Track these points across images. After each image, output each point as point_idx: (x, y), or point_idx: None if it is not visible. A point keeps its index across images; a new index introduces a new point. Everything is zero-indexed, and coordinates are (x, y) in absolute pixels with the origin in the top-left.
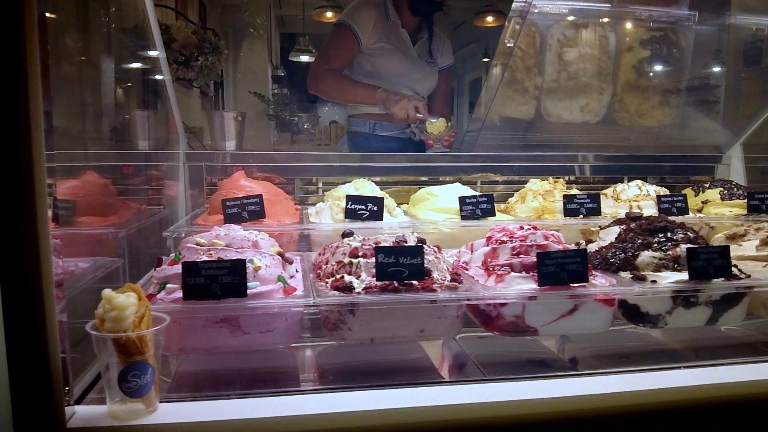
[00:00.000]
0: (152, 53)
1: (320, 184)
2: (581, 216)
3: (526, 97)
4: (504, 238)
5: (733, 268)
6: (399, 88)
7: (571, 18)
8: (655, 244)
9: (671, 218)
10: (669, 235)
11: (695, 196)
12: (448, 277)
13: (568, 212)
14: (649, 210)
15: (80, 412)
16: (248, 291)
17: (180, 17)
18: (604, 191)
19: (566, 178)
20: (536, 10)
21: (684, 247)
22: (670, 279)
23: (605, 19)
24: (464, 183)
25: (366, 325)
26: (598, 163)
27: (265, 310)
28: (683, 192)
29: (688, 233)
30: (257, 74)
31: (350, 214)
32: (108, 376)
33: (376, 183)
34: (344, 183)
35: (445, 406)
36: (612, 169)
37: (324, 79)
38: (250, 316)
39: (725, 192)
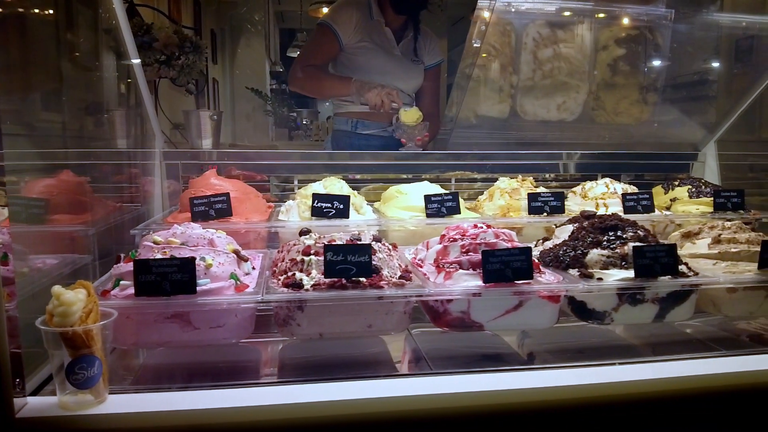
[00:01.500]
0: (128, 53)
1: (296, 182)
2: (545, 214)
3: (502, 96)
4: (456, 236)
5: (683, 266)
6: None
7: (546, 17)
8: (605, 242)
9: (628, 217)
10: (619, 233)
11: (665, 193)
12: (399, 274)
13: (533, 210)
14: (615, 207)
15: (32, 403)
16: (198, 288)
17: (162, 16)
18: (573, 189)
19: (547, 176)
20: (513, 9)
21: (631, 245)
22: (617, 276)
23: (581, 18)
24: (441, 180)
25: (314, 320)
26: (575, 161)
27: (212, 307)
28: (653, 189)
29: (639, 232)
30: (255, 70)
31: (317, 212)
32: (57, 368)
33: (356, 180)
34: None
35: (384, 399)
36: (589, 166)
37: (302, 74)
38: (200, 312)
39: (693, 190)
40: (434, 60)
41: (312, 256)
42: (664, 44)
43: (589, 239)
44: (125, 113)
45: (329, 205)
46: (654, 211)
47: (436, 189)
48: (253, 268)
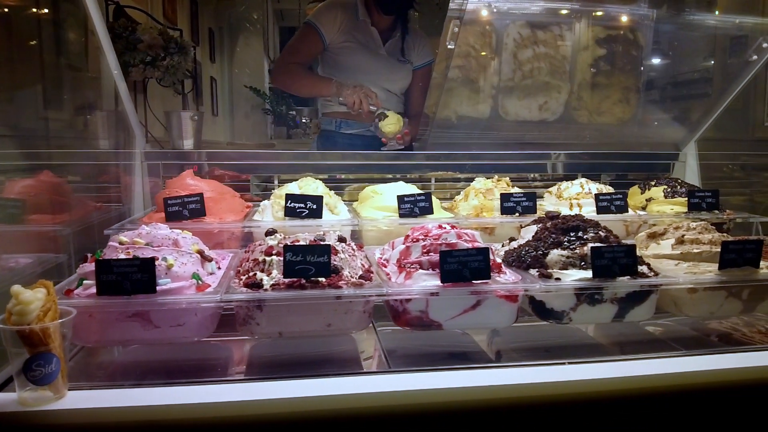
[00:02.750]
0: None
1: (276, 182)
2: (517, 214)
3: (482, 96)
4: (419, 237)
5: (644, 267)
6: (372, 86)
7: (526, 18)
8: (565, 243)
9: (602, 217)
10: (580, 234)
11: (641, 193)
12: (362, 274)
13: (505, 210)
14: (589, 208)
15: None
16: (158, 287)
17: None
18: (550, 189)
19: (531, 176)
20: (495, 9)
21: (590, 245)
22: (575, 277)
23: (561, 19)
24: (424, 181)
25: (273, 320)
26: (557, 161)
27: (171, 306)
28: (630, 190)
29: (600, 233)
30: (254, 69)
31: (290, 212)
32: (16, 366)
33: (340, 180)
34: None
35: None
36: (571, 167)
37: (284, 72)
38: (159, 311)
39: (669, 190)
40: (424, 60)
41: (273, 257)
42: (646, 44)
43: (551, 240)
44: (104, 114)
45: (302, 205)
46: (627, 212)
47: (411, 189)
48: (219, 268)
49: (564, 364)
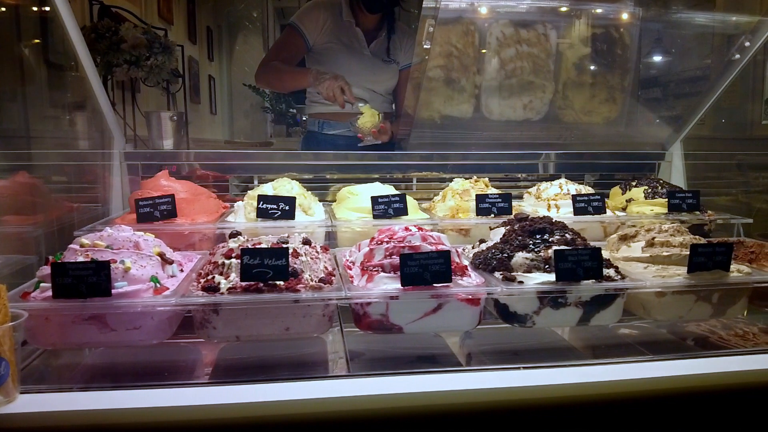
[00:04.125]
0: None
1: (255, 182)
2: (492, 215)
3: (465, 96)
4: (384, 239)
5: (611, 270)
6: (356, 87)
7: (510, 16)
8: (531, 246)
9: (578, 218)
10: (546, 236)
11: (622, 194)
12: (323, 276)
13: (480, 211)
14: (566, 209)
15: None
16: (114, 290)
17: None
18: (529, 190)
19: (519, 175)
20: (474, 8)
21: (555, 248)
22: (538, 280)
23: (545, 17)
24: (402, 181)
25: (230, 323)
26: (542, 161)
27: (126, 309)
28: (612, 190)
29: (566, 235)
30: (253, 67)
31: (262, 214)
32: None
33: (325, 180)
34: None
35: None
36: (555, 166)
37: (265, 69)
38: (115, 314)
39: (649, 191)
40: (411, 59)
41: (233, 260)
42: (632, 43)
43: (517, 242)
44: (81, 115)
45: (274, 206)
46: (605, 213)
47: (388, 190)
48: (182, 270)
49: (521, 368)
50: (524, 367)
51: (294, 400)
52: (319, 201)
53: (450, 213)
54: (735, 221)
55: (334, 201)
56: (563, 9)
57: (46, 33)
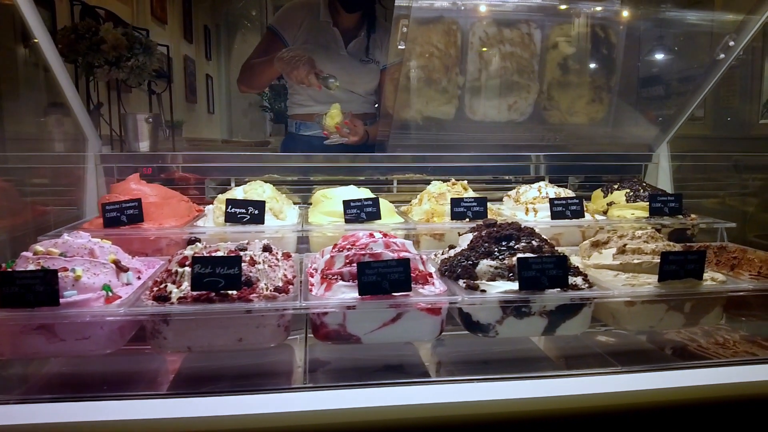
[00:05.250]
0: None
1: (233, 185)
2: (467, 219)
3: (447, 96)
4: (346, 246)
5: (578, 278)
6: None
7: (492, 16)
8: (496, 253)
9: (556, 223)
10: (512, 243)
11: (604, 197)
12: (280, 285)
13: (455, 215)
14: (544, 212)
15: None
16: (63, 300)
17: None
18: (509, 193)
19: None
20: (463, 6)
21: (519, 256)
22: (501, 288)
23: (529, 17)
24: (383, 183)
25: (180, 334)
26: (528, 163)
27: (73, 319)
28: (594, 193)
29: (533, 242)
30: None
31: (230, 218)
32: None
33: (309, 182)
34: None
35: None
36: (540, 168)
37: (242, 71)
38: (63, 324)
39: (631, 194)
40: (393, 59)
41: (186, 268)
42: (618, 42)
43: (482, 249)
44: (53, 118)
45: (243, 210)
46: (584, 217)
47: (363, 193)
48: (139, 278)
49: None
50: (490, 379)
51: (241, 416)
52: (304, 204)
53: (425, 217)
54: (718, 225)
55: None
56: (548, 8)
57: (16, 35)
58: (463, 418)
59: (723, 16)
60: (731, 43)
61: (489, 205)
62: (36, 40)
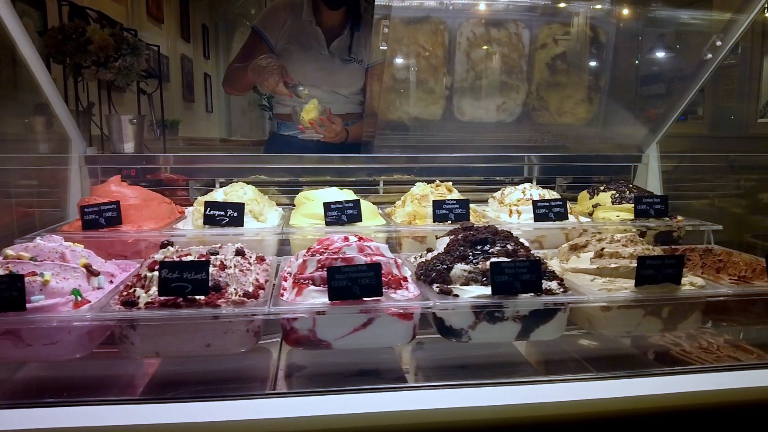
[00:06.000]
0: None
1: (217, 186)
2: (449, 222)
3: (435, 97)
4: (320, 249)
5: (552, 283)
6: (315, 89)
7: (480, 16)
8: (470, 257)
9: (539, 225)
10: (487, 247)
11: (590, 198)
12: (250, 290)
13: (437, 218)
14: (528, 214)
15: None
16: (30, 305)
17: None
18: (494, 194)
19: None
20: (450, 6)
21: (492, 260)
22: (474, 293)
23: (517, 17)
24: (370, 184)
25: (148, 339)
26: (517, 164)
27: (39, 324)
28: (580, 195)
29: (508, 246)
30: None
31: (209, 220)
32: None
33: (298, 183)
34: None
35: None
36: (530, 169)
37: (227, 73)
38: (30, 329)
39: (617, 195)
40: (378, 57)
41: (155, 272)
42: (607, 42)
43: (457, 253)
44: (36, 120)
45: (222, 213)
46: (567, 219)
47: (345, 195)
48: (111, 282)
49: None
50: (467, 385)
51: (207, 423)
52: (289, 205)
53: (407, 219)
54: (705, 228)
55: None
56: (536, 8)
57: None
58: (438, 425)
59: (711, 15)
60: (719, 43)
61: (474, 207)
62: (15, 41)
